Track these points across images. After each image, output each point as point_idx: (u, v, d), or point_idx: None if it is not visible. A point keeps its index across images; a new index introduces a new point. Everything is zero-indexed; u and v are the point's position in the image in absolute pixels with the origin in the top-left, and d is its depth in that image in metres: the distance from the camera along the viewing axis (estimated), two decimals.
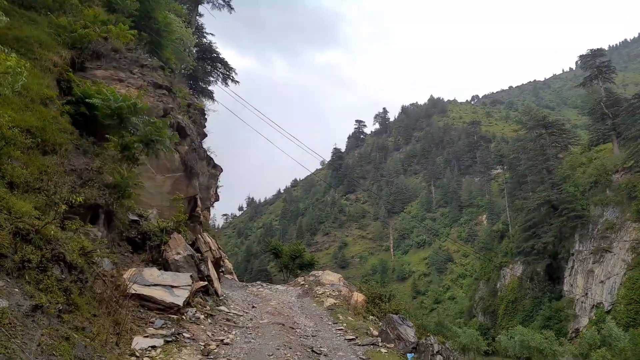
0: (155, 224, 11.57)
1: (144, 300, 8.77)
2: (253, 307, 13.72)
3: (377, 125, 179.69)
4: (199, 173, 16.62)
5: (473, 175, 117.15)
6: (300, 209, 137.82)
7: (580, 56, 69.29)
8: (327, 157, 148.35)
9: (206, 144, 21.90)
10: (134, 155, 10.97)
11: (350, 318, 14.31)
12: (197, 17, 33.55)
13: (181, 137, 14.52)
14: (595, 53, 66.18)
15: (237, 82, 34.55)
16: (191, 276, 10.36)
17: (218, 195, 24.14)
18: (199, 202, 15.71)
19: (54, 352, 5.25)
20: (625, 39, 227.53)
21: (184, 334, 8.46)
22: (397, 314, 13.42)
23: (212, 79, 34.15)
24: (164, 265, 10.64)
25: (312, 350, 10.03)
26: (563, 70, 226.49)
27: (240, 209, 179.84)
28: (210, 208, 23.41)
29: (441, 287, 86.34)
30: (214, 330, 9.70)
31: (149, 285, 9.12)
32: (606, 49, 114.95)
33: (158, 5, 18.55)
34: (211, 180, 21.53)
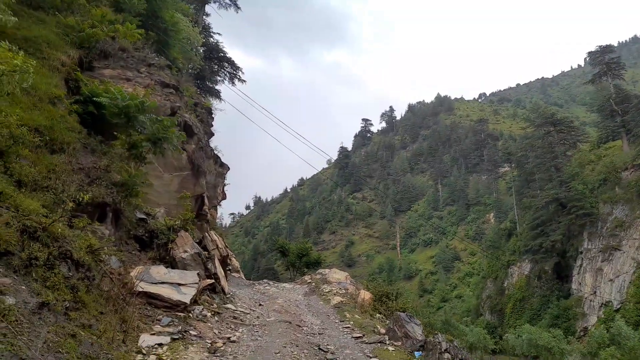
0: (163, 222, 11.60)
1: (151, 298, 8.80)
2: (260, 305, 13.73)
3: (383, 124, 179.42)
4: (206, 172, 16.67)
5: (480, 173, 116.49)
6: (307, 207, 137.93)
7: (589, 53, 68.45)
8: (334, 156, 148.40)
9: (213, 142, 21.98)
10: (141, 154, 11.01)
11: (357, 316, 14.29)
12: (204, 17, 33.63)
13: (188, 135, 14.56)
14: (605, 49, 65.39)
15: (244, 81, 34.60)
16: (198, 274, 10.38)
17: (225, 194, 24.21)
18: (206, 201, 15.75)
19: (60, 350, 5.27)
20: (635, 35, 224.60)
21: (190, 332, 8.48)
22: (404, 312, 13.37)
23: (219, 78, 34.23)
24: (171, 263, 10.68)
25: (319, 348, 10.01)
26: (571, 67, 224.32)
27: (248, 207, 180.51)
28: (218, 206, 23.48)
29: (448, 285, 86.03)
30: (221, 327, 9.72)
31: (156, 283, 9.15)
32: (615, 45, 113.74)
33: (165, 4, 18.59)
34: (218, 179, 21.59)
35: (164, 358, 7.13)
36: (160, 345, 7.43)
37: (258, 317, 11.94)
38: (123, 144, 10.56)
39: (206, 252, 11.96)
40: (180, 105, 14.44)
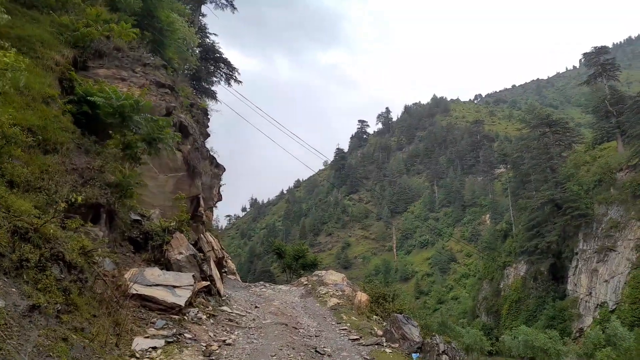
0: (158, 223, 11.48)
1: (145, 301, 8.67)
2: (256, 307, 13.61)
3: (379, 125, 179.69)
4: (202, 172, 16.55)
5: (476, 174, 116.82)
6: (303, 209, 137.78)
7: (584, 54, 68.90)
8: (330, 157, 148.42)
9: (209, 143, 21.86)
10: (136, 154, 10.89)
11: (353, 318, 14.19)
12: (200, 17, 33.50)
13: (184, 136, 14.45)
14: (600, 51, 65.80)
15: (240, 82, 34.48)
16: (193, 276, 10.26)
17: (221, 195, 24.09)
18: (201, 202, 15.63)
19: (50, 354, 5.15)
20: (630, 37, 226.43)
21: (185, 335, 8.36)
22: (401, 314, 13.30)
23: (215, 79, 34.08)
24: (166, 265, 10.55)
25: (316, 351, 9.91)
26: (566, 68, 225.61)
27: (244, 210, 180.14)
28: (214, 208, 23.37)
29: (444, 287, 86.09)
30: (216, 330, 9.60)
31: (150, 285, 9.02)
32: (610, 46, 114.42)
33: (161, 4, 18.47)
34: (214, 180, 21.46)
35: None
36: (155, 348, 7.30)
37: (254, 319, 11.82)
38: (117, 144, 10.44)
39: (201, 254, 11.85)
40: (176, 105, 14.33)
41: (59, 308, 6.06)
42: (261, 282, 21.22)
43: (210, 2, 34.52)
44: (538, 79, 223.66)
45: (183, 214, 12.18)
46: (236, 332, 10.05)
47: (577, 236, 49.34)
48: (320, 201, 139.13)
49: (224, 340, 9.04)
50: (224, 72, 34.16)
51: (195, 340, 8.40)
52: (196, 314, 9.58)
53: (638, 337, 29.99)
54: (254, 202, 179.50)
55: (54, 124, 10.01)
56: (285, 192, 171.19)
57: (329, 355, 9.83)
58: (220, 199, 23.83)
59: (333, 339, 11.40)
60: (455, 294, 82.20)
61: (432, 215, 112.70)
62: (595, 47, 66.20)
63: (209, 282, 11.46)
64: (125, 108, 10.81)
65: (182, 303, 9.15)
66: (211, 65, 33.71)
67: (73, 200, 7.19)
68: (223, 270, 15.53)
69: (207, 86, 33.04)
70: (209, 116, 22.72)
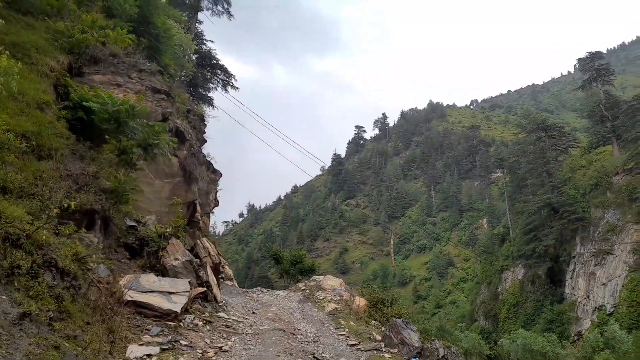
0: (154, 229, 11.38)
1: (140, 307, 8.57)
2: (253, 313, 13.50)
3: (376, 131, 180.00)
4: (198, 178, 16.47)
5: (473, 179, 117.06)
6: (300, 215, 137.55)
7: (579, 59, 69.46)
8: (327, 163, 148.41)
9: (206, 149, 21.78)
10: (131, 160, 10.81)
11: (352, 323, 14.08)
12: (197, 24, 33.54)
13: (180, 142, 14.38)
14: (594, 56, 66.35)
15: (237, 88, 34.46)
16: (190, 282, 10.16)
17: (218, 201, 23.98)
18: (198, 208, 15.54)
19: None
20: (623, 42, 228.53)
21: (181, 342, 8.24)
22: (400, 319, 13.20)
23: (212, 85, 34.06)
24: (162, 271, 10.45)
25: (314, 357, 9.81)
26: (561, 73, 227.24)
27: (241, 215, 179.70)
28: (210, 214, 23.24)
29: (442, 291, 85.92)
30: (213, 337, 9.49)
31: (145, 292, 8.92)
32: (604, 52, 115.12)
33: (157, 10, 18.48)
34: (211, 186, 21.37)
35: None
36: (149, 356, 7.19)
37: (251, 325, 11.71)
38: (113, 149, 10.37)
39: (198, 260, 11.74)
40: (172, 111, 14.27)
41: (51, 315, 5.95)
42: (259, 288, 21.07)
43: (207, 10, 34.62)
44: (533, 84, 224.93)
45: (179, 219, 12.08)
46: (233, 339, 9.94)
47: (575, 240, 49.37)
48: (318, 206, 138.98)
49: (221, 347, 8.93)
50: (220, 79, 34.16)
51: (191, 347, 8.29)
52: (192, 321, 9.47)
53: (636, 340, 29.95)
54: (251, 208, 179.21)
55: (49, 129, 9.95)
56: (282, 197, 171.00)
57: None
58: (217, 204, 23.72)
59: (331, 345, 11.30)
60: (453, 298, 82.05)
61: (430, 220, 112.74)
62: (589, 53, 66.78)
63: (205, 288, 11.35)
64: (121, 113, 10.76)
65: (178, 309, 9.04)
66: (208, 71, 33.70)
67: (66, 205, 7.11)
68: (220, 276, 15.40)
69: (204, 92, 33.03)
70: (205, 122, 22.68)
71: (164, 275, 10.19)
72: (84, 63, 12.91)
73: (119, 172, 10.32)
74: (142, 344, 7.48)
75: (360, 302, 16.17)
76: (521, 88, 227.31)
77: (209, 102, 33.05)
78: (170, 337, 8.13)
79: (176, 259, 10.75)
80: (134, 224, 11.19)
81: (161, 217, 12.66)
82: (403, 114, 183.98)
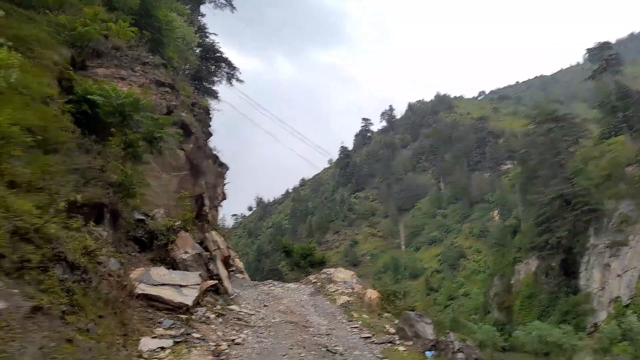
0: (162, 223, 11.30)
1: (151, 300, 8.47)
2: (265, 305, 13.36)
3: (383, 123, 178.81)
4: (206, 171, 16.36)
5: (483, 171, 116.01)
6: (309, 208, 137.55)
7: (588, 49, 68.84)
8: (335, 156, 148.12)
9: (212, 143, 21.66)
10: (137, 153, 10.72)
11: (364, 316, 13.91)
12: (200, 17, 33.38)
13: (186, 135, 14.27)
14: (603, 46, 65.44)
15: (242, 81, 34.39)
16: (200, 275, 10.06)
17: (225, 194, 23.90)
18: (206, 201, 15.43)
19: (55, 355, 4.96)
20: (632, 33, 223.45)
21: (193, 334, 8.14)
22: (413, 311, 13.01)
23: (216, 78, 33.96)
24: (172, 264, 10.36)
25: (327, 350, 9.65)
26: (570, 64, 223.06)
27: (250, 209, 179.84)
28: (219, 207, 23.17)
29: (454, 283, 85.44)
30: (225, 330, 9.37)
31: (156, 285, 8.82)
32: (613, 42, 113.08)
33: (159, 3, 18.33)
34: (218, 179, 21.28)
35: None
36: (162, 349, 7.09)
37: (263, 318, 11.58)
38: (118, 143, 10.26)
39: (208, 253, 11.64)
40: (177, 104, 14.15)
41: (64, 309, 5.86)
42: (270, 281, 20.95)
43: (210, 2, 34.45)
44: (542, 75, 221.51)
45: (187, 212, 11.99)
46: (245, 331, 9.81)
47: (588, 231, 48.71)
48: (326, 199, 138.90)
49: (233, 340, 8.81)
50: (225, 72, 34.08)
51: (203, 339, 8.18)
52: (204, 313, 9.37)
53: None
54: (259, 201, 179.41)
55: (54, 123, 9.84)
56: (290, 191, 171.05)
57: (340, 354, 9.56)
58: (224, 197, 23.64)
59: (344, 337, 11.13)
60: (466, 290, 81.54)
61: (440, 212, 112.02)
62: (598, 43, 65.80)
63: (216, 281, 11.24)
64: (126, 107, 10.65)
65: (190, 302, 8.94)
66: (212, 64, 33.58)
67: (72, 199, 6.99)
68: (231, 269, 15.31)
69: (209, 86, 32.93)
70: (210, 115, 22.55)
71: (174, 269, 10.10)
72: (87, 56, 12.82)
73: (125, 166, 10.22)
74: (155, 337, 7.39)
75: (372, 294, 15.98)
76: (529, 79, 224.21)
77: (214, 95, 33.00)
78: (182, 330, 8.03)
79: (186, 252, 10.65)
80: (143, 217, 11.11)
81: (169, 210, 12.57)
82: (410, 106, 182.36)
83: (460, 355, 10.51)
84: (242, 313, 11.22)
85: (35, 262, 5.94)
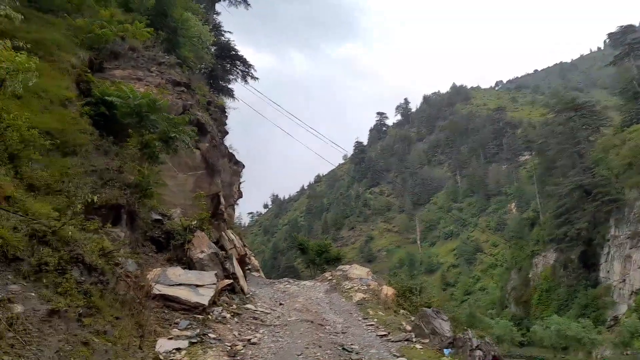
0: (179, 222, 11.40)
1: (168, 301, 8.56)
2: (280, 304, 13.42)
3: (399, 117, 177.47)
4: (221, 170, 16.45)
5: (500, 162, 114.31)
6: (324, 204, 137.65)
7: (609, 34, 66.75)
8: (350, 151, 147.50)
9: (227, 141, 21.77)
10: (154, 153, 10.81)
11: (380, 313, 13.85)
12: (215, 16, 33.44)
13: (202, 134, 14.35)
14: (626, 30, 63.54)
15: (257, 78, 34.32)
16: (216, 274, 10.12)
17: (241, 192, 24.03)
18: (222, 200, 15.52)
19: (71, 359, 5.01)
20: None
21: (209, 335, 8.20)
22: (429, 308, 12.89)
23: (231, 77, 33.99)
24: (189, 264, 10.44)
25: (343, 348, 9.62)
26: (590, 50, 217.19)
27: (266, 206, 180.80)
28: (235, 205, 23.32)
29: (471, 278, 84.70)
30: (241, 329, 9.42)
31: (173, 285, 8.91)
32: (636, 25, 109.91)
33: (174, 3, 18.41)
34: (234, 177, 21.39)
35: None
36: (179, 350, 7.16)
37: (279, 317, 11.62)
38: (135, 143, 10.36)
39: (224, 252, 11.71)
40: (192, 103, 14.22)
41: (80, 311, 5.93)
42: (285, 279, 21.04)
43: (224, 0, 34.44)
44: (561, 62, 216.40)
45: (204, 212, 12.07)
46: (261, 331, 9.86)
47: (609, 222, 47.68)
48: (342, 195, 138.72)
49: (249, 339, 8.85)
50: (240, 70, 34.04)
51: (219, 340, 8.23)
52: (220, 313, 9.44)
53: None
54: (275, 199, 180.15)
55: (72, 126, 10.01)
56: (305, 187, 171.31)
57: (356, 353, 9.52)
58: (240, 196, 23.78)
59: (360, 336, 11.10)
60: (483, 284, 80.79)
61: (456, 206, 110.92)
62: (621, 26, 63.91)
63: (232, 280, 11.32)
64: (143, 107, 10.76)
65: (206, 302, 9.01)
66: (227, 63, 33.62)
67: (89, 200, 7.07)
68: (247, 268, 15.42)
69: (224, 84, 33.01)
70: (226, 114, 22.64)
71: (190, 268, 10.18)
72: (104, 58, 12.98)
73: (142, 166, 10.32)
74: (171, 338, 7.46)
75: (388, 291, 15.90)
76: (548, 67, 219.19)
77: (229, 93, 33.05)
78: (198, 331, 8.09)
79: (202, 252, 10.73)
80: (160, 217, 11.22)
81: (186, 210, 12.67)
82: (425, 98, 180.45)
83: (478, 352, 10.38)
84: (258, 312, 11.28)
85: (53, 264, 6.03)
